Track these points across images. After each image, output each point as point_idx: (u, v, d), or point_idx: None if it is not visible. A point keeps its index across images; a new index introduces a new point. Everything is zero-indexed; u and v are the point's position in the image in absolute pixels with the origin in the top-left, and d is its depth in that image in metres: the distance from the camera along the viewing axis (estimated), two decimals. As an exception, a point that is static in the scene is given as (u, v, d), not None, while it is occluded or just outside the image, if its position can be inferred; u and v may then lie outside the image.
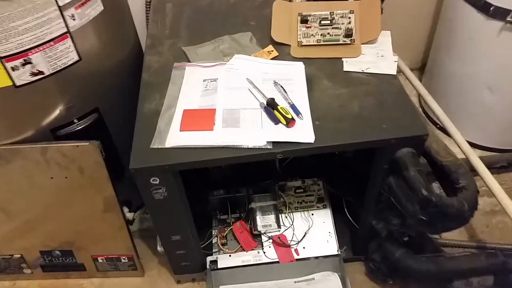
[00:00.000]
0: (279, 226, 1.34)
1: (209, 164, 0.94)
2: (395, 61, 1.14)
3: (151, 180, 0.96)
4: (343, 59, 1.15)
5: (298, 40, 1.20)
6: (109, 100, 1.16)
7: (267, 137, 0.95)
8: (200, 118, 1.01)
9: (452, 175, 1.01)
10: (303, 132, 0.96)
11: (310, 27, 1.20)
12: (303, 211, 1.39)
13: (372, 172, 1.07)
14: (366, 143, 0.95)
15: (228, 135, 0.96)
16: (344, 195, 1.39)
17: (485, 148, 1.65)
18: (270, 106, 1.01)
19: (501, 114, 1.52)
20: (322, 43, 1.19)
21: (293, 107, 1.02)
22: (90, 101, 1.12)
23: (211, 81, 1.10)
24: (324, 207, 1.40)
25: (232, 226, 1.36)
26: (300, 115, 1.00)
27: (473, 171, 1.25)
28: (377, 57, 1.15)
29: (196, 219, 1.17)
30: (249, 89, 1.07)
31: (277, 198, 1.38)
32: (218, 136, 0.96)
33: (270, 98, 1.02)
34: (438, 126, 1.65)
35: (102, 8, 1.04)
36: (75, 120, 1.10)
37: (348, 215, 1.38)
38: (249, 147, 0.94)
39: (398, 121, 0.98)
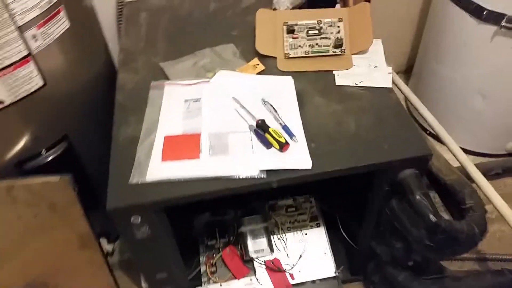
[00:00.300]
0: (272, 250, 1.26)
1: (197, 198, 0.85)
2: (390, 73, 1.06)
3: (131, 219, 0.85)
4: (334, 72, 1.07)
5: (285, 52, 1.11)
6: (79, 126, 1.05)
7: (260, 165, 0.86)
8: (184, 145, 0.91)
9: (457, 195, 0.95)
10: (299, 157, 0.87)
11: (297, 37, 1.12)
12: (296, 231, 1.31)
13: (371, 194, 1.00)
14: (368, 166, 0.88)
15: (216, 164, 0.87)
16: (338, 213, 1.32)
17: (475, 153, 1.61)
18: (261, 129, 0.92)
19: (493, 120, 1.48)
20: (310, 54, 1.11)
21: (285, 128, 0.93)
22: (59, 128, 1.01)
23: (193, 102, 1.00)
24: (318, 225, 1.32)
25: (221, 253, 1.27)
26: (294, 137, 0.91)
27: (469, 179, 1.21)
28: (370, 69, 1.08)
29: (181, 247, 1.07)
30: (236, 110, 0.98)
31: (268, 219, 1.30)
32: (206, 166, 0.87)
33: (260, 120, 0.93)
34: (428, 132, 1.60)
35: (68, 24, 0.93)
36: (43, 152, 0.99)
37: (344, 233, 1.31)
38: (241, 177, 0.85)
39: (400, 140, 0.91)
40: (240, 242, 1.27)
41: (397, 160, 0.88)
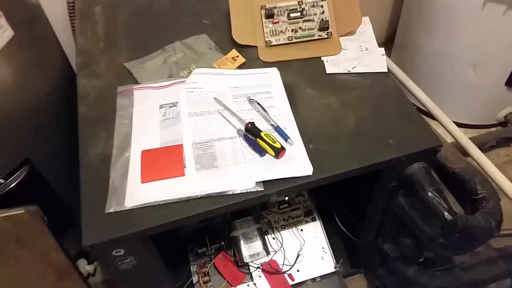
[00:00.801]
0: (267, 252, 1.17)
1: (188, 222, 0.74)
2: (383, 55, 0.97)
3: (113, 253, 0.74)
4: (323, 59, 0.96)
5: (266, 39, 0.99)
6: (41, 146, 0.92)
7: (255, 176, 0.76)
8: (165, 160, 0.79)
9: (468, 184, 0.88)
10: (297, 163, 0.78)
11: (277, 22, 1.00)
12: (291, 228, 1.23)
13: (376, 191, 0.92)
14: (375, 165, 0.79)
15: (205, 180, 0.76)
16: (334, 205, 1.24)
17: (466, 126, 1.56)
18: (251, 133, 0.81)
19: (484, 91, 1.42)
20: (294, 40, 1.00)
21: (278, 129, 0.83)
22: (17, 152, 0.87)
23: (170, 107, 0.88)
24: (313, 220, 1.25)
25: (213, 260, 1.18)
26: (289, 140, 0.81)
27: (465, 155, 1.16)
28: (361, 52, 0.98)
29: (168, 258, 0.96)
30: (219, 112, 0.86)
31: (260, 219, 1.21)
32: (193, 184, 0.75)
33: (250, 123, 0.82)
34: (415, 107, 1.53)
35: (12, 33, 0.78)
36: (1, 180, 0.85)
37: (341, 226, 1.24)
38: (235, 192, 0.75)
39: (405, 132, 0.82)
40: (232, 247, 1.18)
41: (404, 155, 0.79)
